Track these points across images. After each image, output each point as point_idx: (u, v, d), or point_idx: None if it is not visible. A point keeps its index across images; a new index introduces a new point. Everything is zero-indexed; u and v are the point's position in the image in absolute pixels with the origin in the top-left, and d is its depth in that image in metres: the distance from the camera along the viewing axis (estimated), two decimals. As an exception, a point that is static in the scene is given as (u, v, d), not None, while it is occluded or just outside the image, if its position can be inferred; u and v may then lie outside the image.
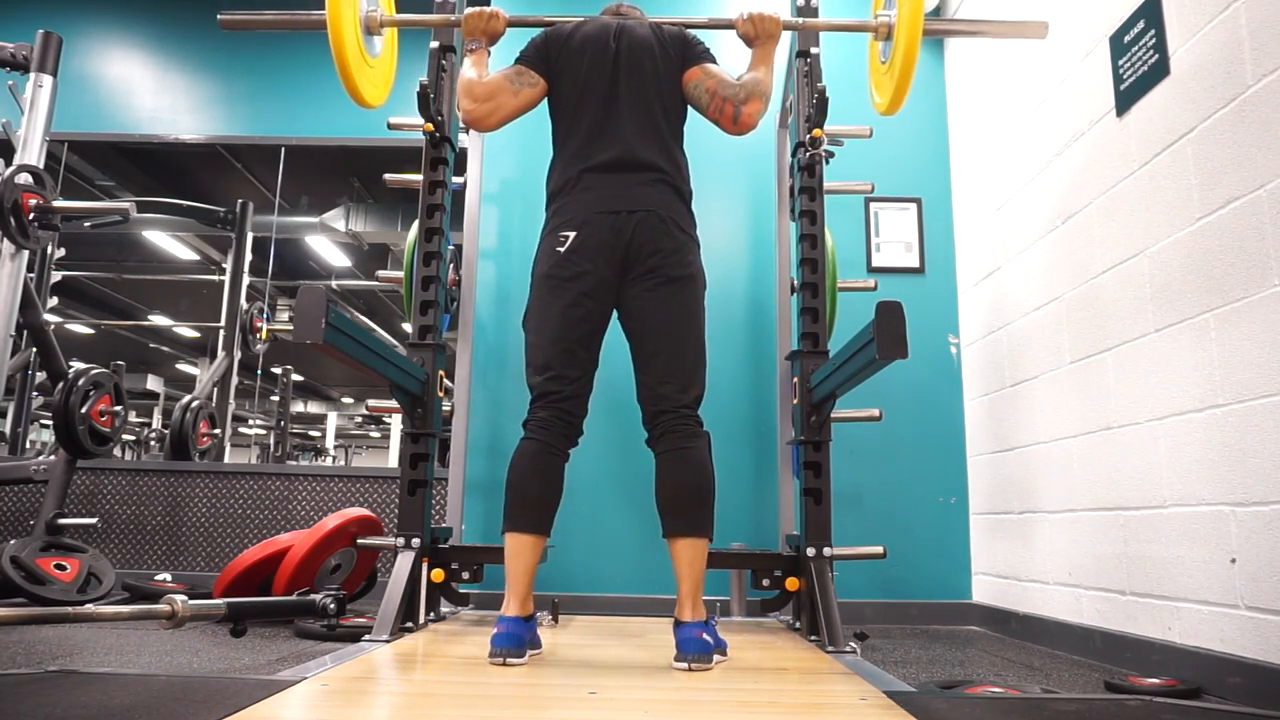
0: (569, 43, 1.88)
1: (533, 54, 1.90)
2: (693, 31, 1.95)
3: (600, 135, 1.83)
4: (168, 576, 3.31)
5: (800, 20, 2.19)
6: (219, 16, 1.97)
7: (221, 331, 5.17)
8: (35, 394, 4.35)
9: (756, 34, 1.89)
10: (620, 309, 1.83)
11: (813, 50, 2.51)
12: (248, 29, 2.18)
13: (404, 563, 2.12)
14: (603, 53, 1.86)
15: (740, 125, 1.80)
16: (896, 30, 1.81)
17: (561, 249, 1.77)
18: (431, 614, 2.26)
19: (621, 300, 1.81)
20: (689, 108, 1.92)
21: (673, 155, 1.86)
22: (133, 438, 8.93)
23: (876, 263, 3.34)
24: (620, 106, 1.84)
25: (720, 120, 1.82)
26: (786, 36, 2.15)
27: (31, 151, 2.85)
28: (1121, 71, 2.28)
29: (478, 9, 1.94)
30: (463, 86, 1.84)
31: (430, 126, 2.35)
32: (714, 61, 1.89)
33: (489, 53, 1.94)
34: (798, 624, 2.27)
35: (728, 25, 1.97)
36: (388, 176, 2.70)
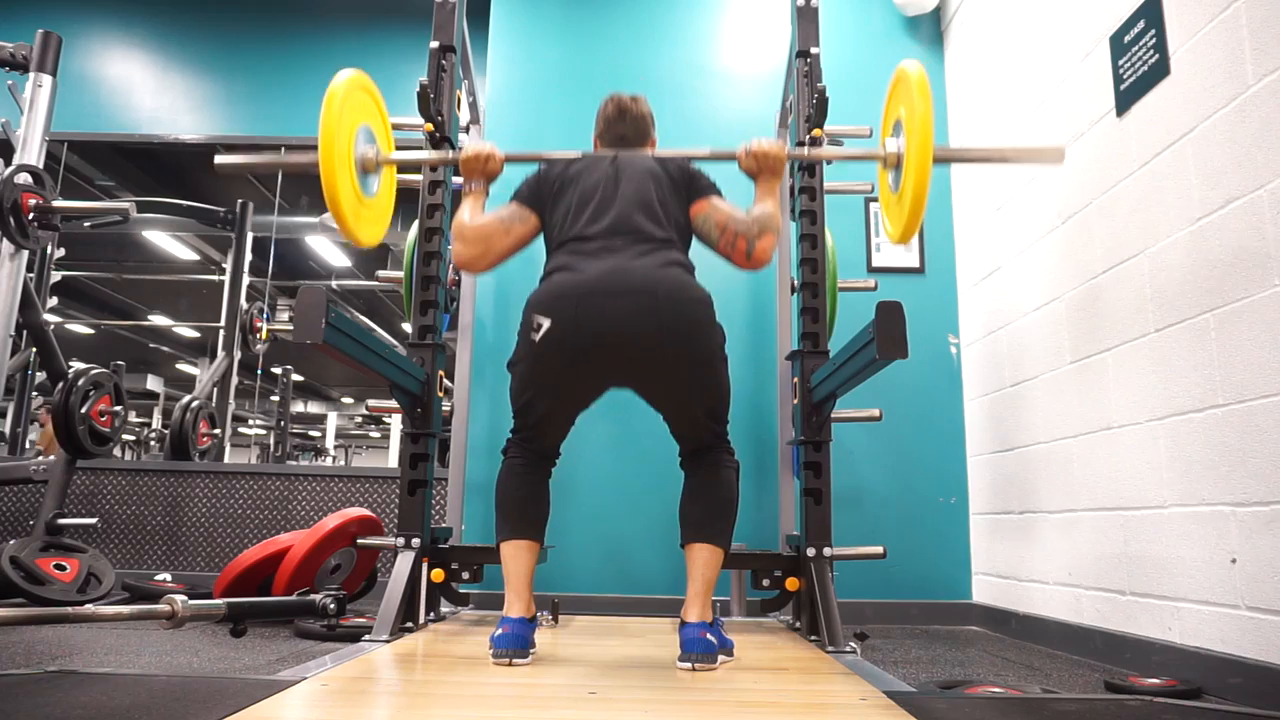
0: (564, 174, 1.85)
1: (526, 191, 1.87)
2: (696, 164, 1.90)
3: (595, 225, 1.76)
4: (168, 576, 3.32)
5: (806, 150, 2.11)
6: (216, 160, 1.85)
7: (221, 331, 5.17)
8: (35, 394, 4.36)
9: (760, 170, 1.81)
10: (633, 382, 1.77)
11: (813, 50, 2.51)
12: (242, 174, 2.10)
13: (404, 563, 2.12)
14: (597, 175, 1.82)
15: (754, 261, 1.75)
16: (905, 161, 1.68)
17: (536, 336, 1.67)
18: (431, 614, 2.26)
19: (630, 379, 1.75)
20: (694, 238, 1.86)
21: (675, 238, 1.79)
22: (133, 438, 8.94)
23: (876, 263, 3.34)
24: (616, 211, 1.77)
25: (732, 255, 1.77)
26: (788, 23, 2.11)
27: (31, 151, 2.85)
28: (1122, 71, 2.28)
29: (474, 149, 1.85)
30: (455, 230, 1.80)
31: (430, 126, 2.35)
32: (720, 195, 1.85)
33: (487, 191, 1.88)
34: (798, 624, 2.27)
35: (729, 157, 1.86)
36: (388, 176, 2.69)
